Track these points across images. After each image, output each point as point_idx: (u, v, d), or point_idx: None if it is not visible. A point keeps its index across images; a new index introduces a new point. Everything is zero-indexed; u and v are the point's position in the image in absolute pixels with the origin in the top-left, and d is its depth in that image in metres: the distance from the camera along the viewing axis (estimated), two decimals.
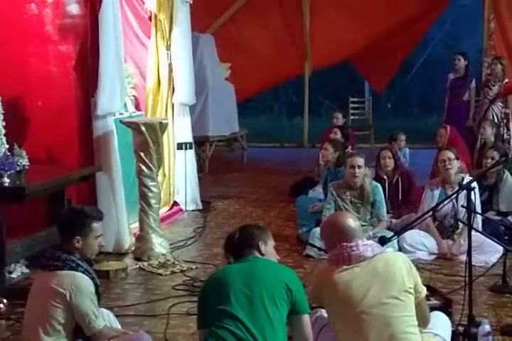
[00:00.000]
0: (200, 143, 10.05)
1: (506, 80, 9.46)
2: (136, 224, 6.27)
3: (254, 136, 13.22)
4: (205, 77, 10.59)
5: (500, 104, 9.34)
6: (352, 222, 3.44)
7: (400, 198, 6.62)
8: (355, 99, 13.60)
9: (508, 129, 9.36)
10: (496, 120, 9.07)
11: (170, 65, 7.50)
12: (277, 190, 8.98)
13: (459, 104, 9.71)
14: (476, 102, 9.82)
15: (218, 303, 3.09)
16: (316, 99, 16.37)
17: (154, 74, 7.36)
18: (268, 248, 3.36)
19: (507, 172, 6.61)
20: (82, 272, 3.53)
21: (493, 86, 9.37)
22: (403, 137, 8.63)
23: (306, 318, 3.22)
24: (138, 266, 5.76)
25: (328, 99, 17.53)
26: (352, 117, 13.13)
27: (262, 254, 3.31)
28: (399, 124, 13.47)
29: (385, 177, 6.68)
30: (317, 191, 7.55)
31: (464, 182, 5.52)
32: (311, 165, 8.60)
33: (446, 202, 5.04)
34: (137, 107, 7.26)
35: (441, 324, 3.66)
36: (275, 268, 3.27)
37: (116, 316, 3.98)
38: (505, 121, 9.31)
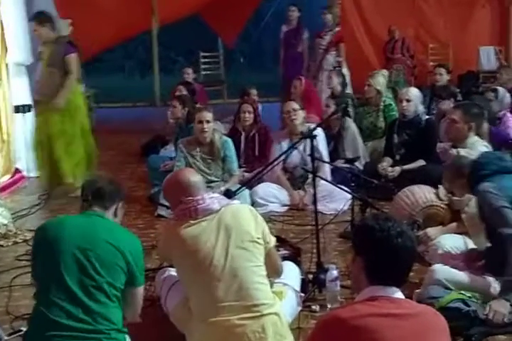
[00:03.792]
0: None
1: (337, 29, 9.71)
2: None
3: (105, 97, 12.73)
4: None
5: (333, 53, 9.57)
6: (193, 176, 3.41)
7: (255, 152, 6.58)
8: (207, 54, 13.41)
9: (343, 77, 9.55)
10: (330, 68, 9.28)
11: (1, 22, 7.01)
12: (128, 151, 8.73)
13: (294, 56, 9.80)
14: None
15: (49, 262, 2.91)
16: (168, 55, 16.04)
17: None
18: (123, 210, 3.25)
19: (349, 120, 6.69)
20: None
21: (325, 35, 9.58)
22: (255, 92, 8.49)
23: (140, 290, 3.09)
24: None
25: (181, 55, 17.22)
26: (204, 72, 12.95)
27: (115, 216, 3.17)
28: (253, 78, 13.43)
29: (242, 130, 6.59)
30: (168, 150, 7.39)
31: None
32: (163, 124, 8.39)
33: (290, 151, 5.03)
34: None
35: (289, 273, 3.68)
36: (117, 236, 3.02)
37: None
38: (338, 68, 9.49)
